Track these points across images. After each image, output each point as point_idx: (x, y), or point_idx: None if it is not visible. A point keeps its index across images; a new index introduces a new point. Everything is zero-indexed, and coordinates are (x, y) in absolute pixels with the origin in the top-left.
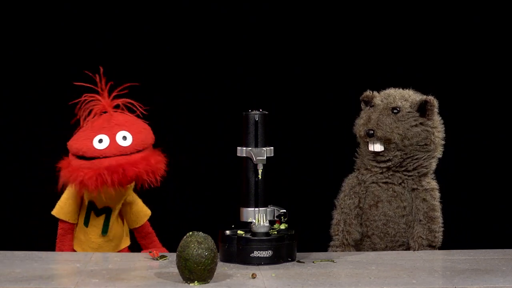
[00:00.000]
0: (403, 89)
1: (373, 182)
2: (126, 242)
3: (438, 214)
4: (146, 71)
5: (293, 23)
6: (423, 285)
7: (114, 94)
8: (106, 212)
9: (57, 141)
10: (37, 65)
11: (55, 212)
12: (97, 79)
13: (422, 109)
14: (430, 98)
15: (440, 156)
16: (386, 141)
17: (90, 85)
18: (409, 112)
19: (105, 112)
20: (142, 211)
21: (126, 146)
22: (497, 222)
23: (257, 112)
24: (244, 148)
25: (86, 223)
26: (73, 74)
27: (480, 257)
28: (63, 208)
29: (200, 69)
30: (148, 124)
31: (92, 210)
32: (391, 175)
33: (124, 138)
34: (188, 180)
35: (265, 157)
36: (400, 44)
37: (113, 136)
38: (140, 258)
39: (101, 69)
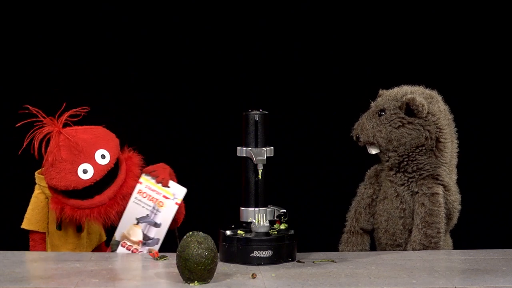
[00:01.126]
0: (413, 85)
1: (385, 177)
2: (102, 236)
3: (437, 219)
4: (146, 72)
5: (293, 22)
6: (423, 285)
7: (63, 118)
8: None
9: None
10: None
11: (24, 225)
12: (35, 112)
13: (409, 110)
14: (410, 97)
15: (443, 160)
16: (370, 145)
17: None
18: (393, 113)
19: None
20: None
21: (108, 163)
22: (497, 222)
23: (257, 112)
24: (244, 148)
25: (59, 226)
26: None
27: (480, 257)
28: (31, 219)
29: (200, 69)
30: (102, 125)
31: None
32: (393, 174)
33: (103, 156)
34: (188, 180)
35: (265, 157)
36: (402, 43)
37: (93, 161)
38: (140, 258)
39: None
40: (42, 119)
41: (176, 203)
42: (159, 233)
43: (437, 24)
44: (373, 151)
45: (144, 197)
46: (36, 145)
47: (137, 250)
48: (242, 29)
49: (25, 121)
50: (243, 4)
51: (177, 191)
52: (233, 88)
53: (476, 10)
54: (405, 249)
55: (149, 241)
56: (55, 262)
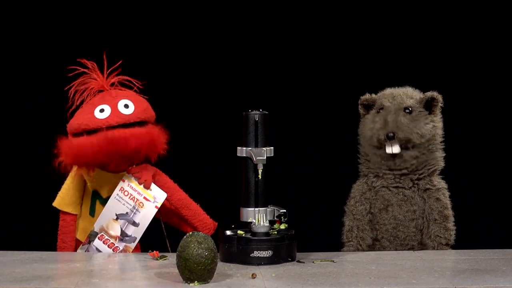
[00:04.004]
0: (398, 87)
1: (383, 186)
2: None
3: (451, 212)
4: (145, 72)
5: (293, 22)
6: (423, 285)
7: (109, 71)
8: None
9: (52, 143)
10: (30, 55)
11: (56, 203)
12: (87, 63)
13: (428, 105)
14: (436, 94)
15: (443, 154)
16: (405, 142)
17: (83, 64)
18: (420, 111)
19: (101, 91)
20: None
21: (129, 114)
22: (497, 222)
23: (257, 112)
24: (244, 148)
25: (92, 213)
26: (70, 63)
27: (480, 257)
28: (64, 199)
29: (200, 69)
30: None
31: (97, 199)
32: (401, 179)
33: (126, 106)
34: (188, 180)
35: (265, 157)
36: (402, 43)
37: (115, 105)
38: (140, 258)
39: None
40: (93, 74)
41: (156, 207)
42: (136, 232)
43: (436, 24)
44: (396, 150)
45: (126, 195)
46: (79, 92)
47: (114, 244)
48: (242, 29)
49: (76, 71)
50: (243, 4)
51: (158, 195)
52: (233, 88)
53: (475, 10)
54: (421, 249)
55: (127, 238)
56: (55, 262)
